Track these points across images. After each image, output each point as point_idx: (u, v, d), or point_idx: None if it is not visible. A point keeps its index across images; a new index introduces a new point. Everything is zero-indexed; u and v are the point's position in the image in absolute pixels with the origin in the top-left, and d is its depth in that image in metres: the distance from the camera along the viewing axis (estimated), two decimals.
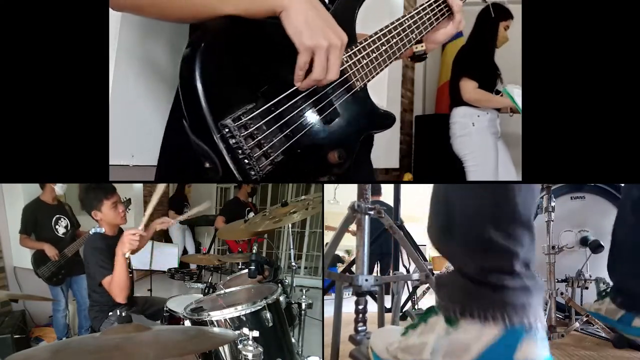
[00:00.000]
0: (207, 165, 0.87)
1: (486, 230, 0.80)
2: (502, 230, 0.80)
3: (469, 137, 2.76)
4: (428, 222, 0.92)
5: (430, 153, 3.71)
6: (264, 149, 0.88)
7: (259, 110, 0.88)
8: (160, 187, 1.67)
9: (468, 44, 2.84)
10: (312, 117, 0.96)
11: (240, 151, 0.86)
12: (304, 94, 0.95)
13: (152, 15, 0.94)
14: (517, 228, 0.81)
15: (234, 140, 0.85)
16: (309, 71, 0.91)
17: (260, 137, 0.88)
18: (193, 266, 3.80)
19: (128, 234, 1.66)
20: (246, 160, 0.86)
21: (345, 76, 1.02)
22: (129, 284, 1.70)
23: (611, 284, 1.77)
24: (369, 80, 1.07)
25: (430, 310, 0.91)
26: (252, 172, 0.87)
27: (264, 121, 0.89)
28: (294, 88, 0.93)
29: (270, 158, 0.89)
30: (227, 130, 0.85)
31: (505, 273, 0.81)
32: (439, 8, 1.20)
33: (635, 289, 1.60)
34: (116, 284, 1.67)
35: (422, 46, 1.25)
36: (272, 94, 0.91)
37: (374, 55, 1.07)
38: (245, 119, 0.86)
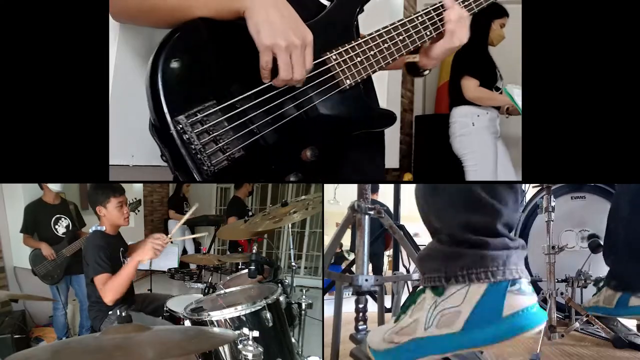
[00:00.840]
0: (163, 158, 0.92)
1: (472, 187, 0.82)
2: (488, 188, 0.82)
3: (468, 136, 2.75)
4: (415, 186, 0.93)
5: (430, 153, 3.70)
6: (220, 144, 0.90)
7: (219, 107, 0.91)
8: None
9: (466, 43, 2.83)
10: (284, 114, 0.97)
11: (192, 146, 0.88)
12: (277, 91, 0.96)
13: (144, 24, 1.00)
14: (502, 188, 0.83)
15: (186, 136, 0.88)
16: (276, 71, 0.93)
17: (216, 133, 0.90)
18: (193, 266, 3.80)
19: (153, 240, 1.64)
20: (198, 156, 0.88)
21: (331, 73, 1.02)
22: (124, 291, 1.68)
23: (607, 274, 1.78)
24: (361, 79, 1.06)
25: (418, 291, 0.92)
26: (204, 167, 0.89)
27: (224, 117, 0.91)
28: (266, 85, 0.95)
29: (227, 154, 0.90)
30: (180, 126, 0.87)
31: (487, 233, 0.82)
32: (439, 17, 1.13)
33: (628, 272, 1.62)
34: (115, 288, 1.64)
35: (414, 57, 1.23)
36: (240, 91, 0.93)
37: (370, 53, 1.06)
38: (201, 115, 0.89)
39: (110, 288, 1.65)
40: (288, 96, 0.97)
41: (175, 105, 0.88)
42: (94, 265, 1.71)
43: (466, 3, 1.17)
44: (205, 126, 0.89)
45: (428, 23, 1.13)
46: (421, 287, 0.91)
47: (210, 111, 0.90)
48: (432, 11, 1.13)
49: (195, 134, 0.88)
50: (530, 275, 1.96)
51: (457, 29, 1.12)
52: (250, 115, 0.93)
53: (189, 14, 0.93)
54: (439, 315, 0.84)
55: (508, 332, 0.77)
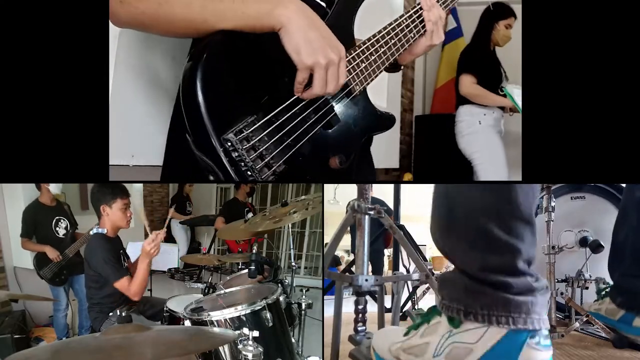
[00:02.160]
0: (211, 178, 0.88)
1: (487, 226, 0.80)
2: (504, 226, 0.80)
3: (475, 135, 2.75)
4: (430, 221, 0.92)
5: (430, 153, 3.71)
6: (266, 160, 0.89)
7: (260, 122, 0.89)
8: None
9: (470, 43, 2.86)
10: (313, 124, 0.97)
11: (242, 164, 0.86)
12: (304, 103, 0.96)
13: (154, 31, 0.94)
14: (518, 224, 0.80)
15: (236, 154, 0.86)
16: (308, 84, 0.92)
17: (262, 149, 0.88)
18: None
19: (148, 243, 1.74)
20: (249, 172, 0.87)
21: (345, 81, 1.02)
22: (146, 285, 1.81)
23: (611, 283, 1.77)
24: (367, 84, 1.07)
25: (433, 311, 0.90)
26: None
27: (265, 132, 0.89)
28: (294, 98, 0.94)
29: (273, 168, 0.90)
30: (229, 144, 0.85)
31: (508, 271, 0.80)
32: (420, 19, 1.19)
33: (635, 289, 1.60)
34: (140, 287, 1.77)
35: None
36: (272, 105, 0.92)
37: (372, 58, 1.07)
38: (247, 131, 0.87)
39: (136, 290, 1.76)
40: (313, 107, 0.98)
41: (220, 124, 0.85)
42: (111, 270, 1.76)
43: (442, 1, 1.24)
44: (252, 142, 0.87)
45: (411, 26, 1.17)
46: (437, 307, 0.90)
47: (255, 126, 0.88)
48: (413, 14, 1.18)
49: (244, 151, 0.86)
50: None
51: (435, 29, 1.20)
52: (286, 129, 0.93)
53: (216, 27, 0.88)
54: (450, 346, 0.82)
55: None
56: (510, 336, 0.78)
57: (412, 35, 1.16)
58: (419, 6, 1.19)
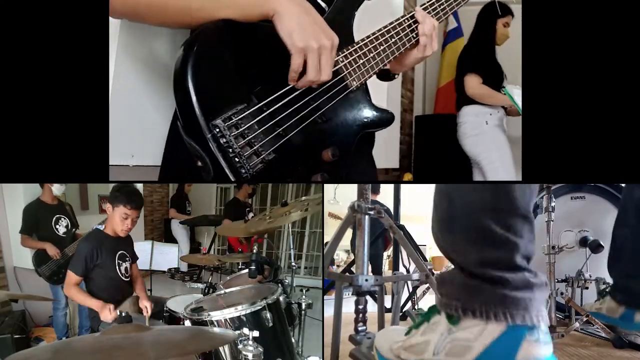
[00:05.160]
0: (199, 164, 0.89)
1: (485, 222, 0.80)
2: (501, 222, 0.80)
3: (482, 136, 2.72)
4: (432, 220, 0.92)
5: (430, 153, 3.70)
6: (255, 147, 0.90)
7: (251, 110, 0.90)
8: None
9: (470, 42, 2.84)
10: (305, 116, 0.98)
11: (230, 150, 0.87)
12: (297, 93, 0.96)
13: (150, 21, 0.95)
14: (515, 220, 0.81)
15: (224, 140, 0.87)
16: (302, 72, 0.93)
17: (251, 137, 0.90)
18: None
19: (106, 315, 1.73)
20: (236, 159, 0.88)
21: (340, 76, 1.03)
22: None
23: (611, 282, 1.77)
24: (365, 80, 1.08)
25: (433, 309, 0.90)
26: (243, 170, 0.88)
27: (255, 120, 0.91)
28: (288, 87, 0.95)
29: (261, 156, 0.91)
30: (217, 130, 0.86)
31: (506, 266, 0.80)
32: (410, 29, 1.15)
33: (634, 287, 1.60)
34: (73, 298, 1.85)
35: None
36: (264, 94, 0.93)
37: (371, 55, 1.08)
38: (236, 118, 0.88)
39: (72, 294, 1.83)
40: (307, 98, 0.98)
41: (209, 110, 0.86)
42: (74, 259, 1.81)
43: (435, 12, 1.22)
44: (240, 130, 0.88)
45: (402, 34, 1.15)
46: (437, 307, 0.90)
47: (244, 114, 0.89)
48: (409, 19, 1.16)
49: (232, 138, 0.87)
50: None
51: (429, 42, 1.17)
52: (277, 118, 0.94)
53: (212, 16, 0.90)
54: (450, 343, 0.83)
55: None
56: (509, 332, 0.78)
57: (403, 44, 1.14)
58: (413, 19, 1.16)
